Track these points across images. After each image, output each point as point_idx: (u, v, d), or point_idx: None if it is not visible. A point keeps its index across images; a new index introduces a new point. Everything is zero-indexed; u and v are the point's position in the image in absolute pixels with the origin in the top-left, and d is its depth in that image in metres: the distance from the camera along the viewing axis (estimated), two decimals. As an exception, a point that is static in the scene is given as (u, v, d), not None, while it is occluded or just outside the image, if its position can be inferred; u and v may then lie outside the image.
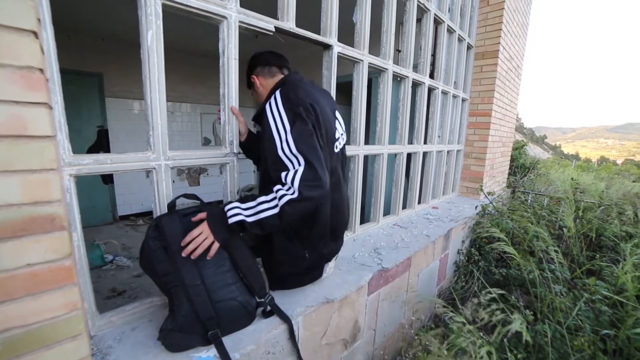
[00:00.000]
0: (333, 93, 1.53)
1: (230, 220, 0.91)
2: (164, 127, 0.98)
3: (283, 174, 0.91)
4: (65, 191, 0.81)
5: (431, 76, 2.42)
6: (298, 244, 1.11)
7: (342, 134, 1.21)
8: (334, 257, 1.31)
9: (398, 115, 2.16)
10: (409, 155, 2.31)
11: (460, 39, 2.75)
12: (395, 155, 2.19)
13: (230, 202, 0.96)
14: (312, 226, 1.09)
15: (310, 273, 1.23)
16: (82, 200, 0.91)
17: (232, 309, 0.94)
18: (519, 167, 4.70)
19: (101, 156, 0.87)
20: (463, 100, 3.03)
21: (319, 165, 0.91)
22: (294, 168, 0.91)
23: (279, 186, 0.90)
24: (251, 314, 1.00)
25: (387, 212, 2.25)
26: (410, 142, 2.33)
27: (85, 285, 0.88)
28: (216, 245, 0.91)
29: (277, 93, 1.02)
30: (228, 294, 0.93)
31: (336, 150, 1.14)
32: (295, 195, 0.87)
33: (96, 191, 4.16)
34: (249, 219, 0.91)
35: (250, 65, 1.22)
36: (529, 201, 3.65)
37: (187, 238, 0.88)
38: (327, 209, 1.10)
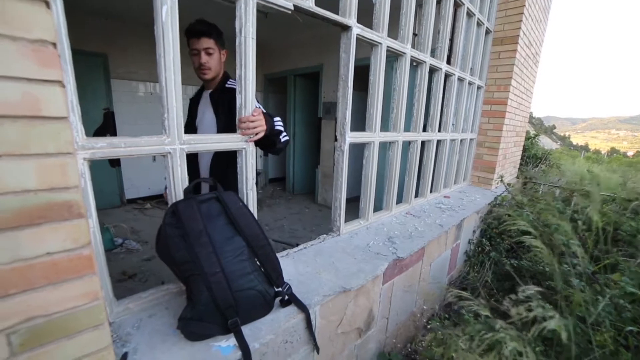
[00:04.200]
0: (351, 77, 1.47)
1: (277, 125, 1.24)
2: (179, 110, 0.93)
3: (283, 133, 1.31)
4: (80, 176, 0.77)
5: (448, 62, 2.32)
6: None
7: None
8: None
9: (414, 102, 2.08)
10: (422, 143, 2.25)
11: (479, 23, 2.63)
12: (410, 143, 2.13)
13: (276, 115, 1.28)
14: None
15: None
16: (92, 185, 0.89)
17: (251, 298, 0.92)
18: (530, 157, 4.61)
19: (115, 139, 0.83)
20: (478, 87, 2.92)
21: None
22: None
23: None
24: (269, 303, 0.98)
25: (399, 201, 2.21)
26: (425, 129, 2.26)
27: (102, 272, 0.86)
28: (262, 133, 1.14)
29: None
30: (247, 282, 0.91)
31: None
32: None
33: (103, 174, 4.16)
34: (282, 136, 1.29)
35: (221, 36, 1.39)
36: (541, 192, 3.59)
37: (245, 117, 1.09)
38: None
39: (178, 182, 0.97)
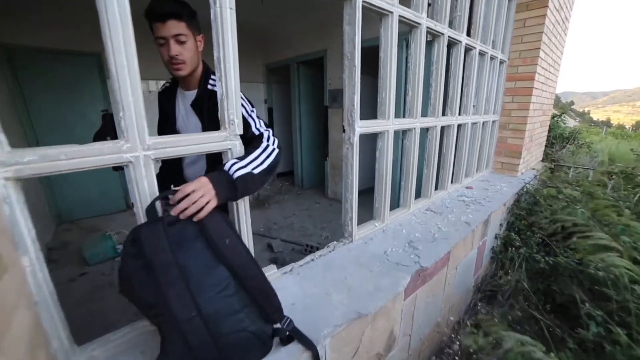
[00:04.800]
0: (358, 55, 1.23)
1: (236, 175, 0.84)
2: (139, 106, 0.73)
3: (265, 136, 1.04)
4: (2, 201, 0.58)
5: (467, 34, 2.03)
6: None
7: None
8: None
9: (431, 82, 1.81)
10: (441, 129, 1.99)
11: (502, -13, 2.30)
12: (427, 129, 1.88)
13: (228, 161, 0.89)
14: None
15: None
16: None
17: (242, 342, 0.72)
18: (556, 137, 4.24)
19: (52, 150, 0.63)
20: (501, 62, 2.60)
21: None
22: (268, 135, 1.04)
23: (262, 142, 0.99)
24: (266, 344, 0.78)
25: (417, 195, 1.97)
26: (444, 113, 2.00)
27: (51, 319, 0.68)
28: (213, 203, 0.77)
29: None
30: (235, 324, 0.71)
31: None
32: (277, 144, 1.03)
33: (106, 177, 4.05)
34: (256, 170, 0.90)
35: (194, 17, 1.09)
36: (571, 175, 3.27)
37: (179, 194, 0.74)
38: None
39: (146, 199, 0.77)
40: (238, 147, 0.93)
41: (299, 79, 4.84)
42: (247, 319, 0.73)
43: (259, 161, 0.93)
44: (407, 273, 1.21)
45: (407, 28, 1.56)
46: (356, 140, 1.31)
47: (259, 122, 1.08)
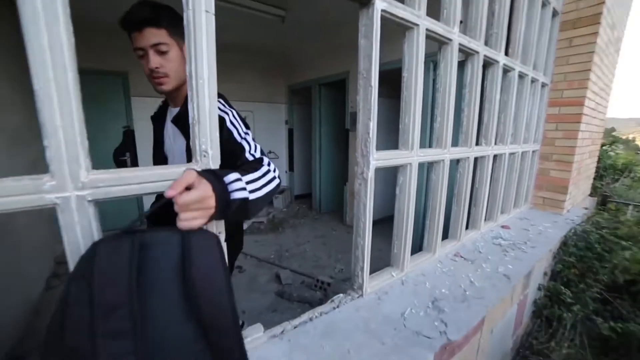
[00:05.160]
0: (375, 73, 1.02)
1: (234, 196, 0.64)
2: (73, 129, 0.55)
3: (265, 161, 0.86)
4: None
5: (506, 53, 1.79)
6: None
7: None
8: None
9: (463, 106, 1.57)
10: (474, 160, 1.71)
11: (545, 3, 2.06)
12: (458, 161, 1.61)
13: (229, 171, 0.69)
14: None
15: None
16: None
17: None
18: (606, 169, 3.76)
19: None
20: (543, 85, 2.31)
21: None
22: (268, 161, 0.87)
23: (263, 165, 0.82)
24: None
25: (444, 236, 1.69)
26: (478, 142, 1.73)
27: None
28: (210, 219, 0.59)
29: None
30: None
31: None
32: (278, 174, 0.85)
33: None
34: (252, 196, 0.69)
35: (179, 23, 0.71)
36: (629, 214, 2.80)
37: (184, 198, 0.54)
38: None
39: (78, 252, 0.58)
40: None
41: (320, 101, 4.74)
42: None
43: (257, 185, 0.73)
44: (429, 350, 0.93)
45: (435, 48, 1.36)
46: (371, 175, 1.08)
47: (255, 146, 0.91)
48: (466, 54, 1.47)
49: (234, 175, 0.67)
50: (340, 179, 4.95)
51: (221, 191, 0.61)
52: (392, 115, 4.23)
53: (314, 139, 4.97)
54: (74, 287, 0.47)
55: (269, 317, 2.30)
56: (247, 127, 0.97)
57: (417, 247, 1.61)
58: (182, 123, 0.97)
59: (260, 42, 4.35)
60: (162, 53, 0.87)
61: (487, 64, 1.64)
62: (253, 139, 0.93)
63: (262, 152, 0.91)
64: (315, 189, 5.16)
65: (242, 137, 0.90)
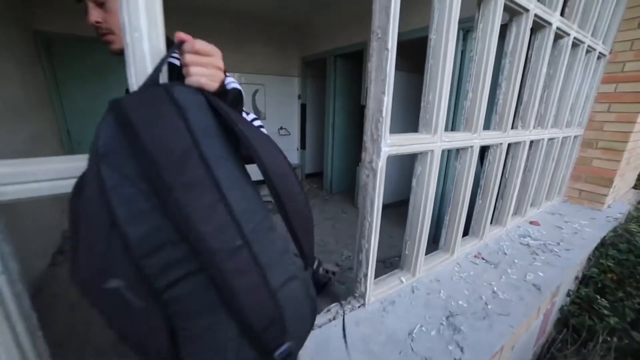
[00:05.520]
0: (394, 33, 0.78)
1: (230, 85, 0.57)
2: None
3: None
4: None
5: (561, 14, 1.45)
6: None
7: None
8: None
9: (500, 81, 1.29)
10: (508, 146, 1.45)
11: (614, -48, 1.65)
12: (488, 147, 1.36)
13: None
14: None
15: None
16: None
17: (296, 298, 0.50)
18: (654, 159, 3.32)
19: None
20: (599, 56, 1.94)
21: None
22: None
23: None
24: (313, 301, 0.53)
25: (465, 232, 1.47)
26: (513, 125, 1.45)
27: None
28: (221, 76, 0.51)
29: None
30: (286, 269, 0.49)
31: None
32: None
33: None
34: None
35: None
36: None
37: (198, 45, 0.47)
38: None
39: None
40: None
41: (336, 74, 4.40)
42: (292, 262, 0.50)
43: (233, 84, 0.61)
44: (443, 386, 0.76)
45: (466, 13, 1.07)
46: (382, 165, 0.86)
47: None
48: (512, 12, 1.17)
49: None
50: (353, 158, 4.70)
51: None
52: (412, 93, 3.88)
53: (327, 115, 4.69)
54: (105, 168, 0.37)
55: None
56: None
57: (430, 238, 1.40)
58: None
59: (272, 10, 4.00)
60: (100, 5, 0.67)
61: (536, 27, 1.33)
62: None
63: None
64: (327, 168, 4.95)
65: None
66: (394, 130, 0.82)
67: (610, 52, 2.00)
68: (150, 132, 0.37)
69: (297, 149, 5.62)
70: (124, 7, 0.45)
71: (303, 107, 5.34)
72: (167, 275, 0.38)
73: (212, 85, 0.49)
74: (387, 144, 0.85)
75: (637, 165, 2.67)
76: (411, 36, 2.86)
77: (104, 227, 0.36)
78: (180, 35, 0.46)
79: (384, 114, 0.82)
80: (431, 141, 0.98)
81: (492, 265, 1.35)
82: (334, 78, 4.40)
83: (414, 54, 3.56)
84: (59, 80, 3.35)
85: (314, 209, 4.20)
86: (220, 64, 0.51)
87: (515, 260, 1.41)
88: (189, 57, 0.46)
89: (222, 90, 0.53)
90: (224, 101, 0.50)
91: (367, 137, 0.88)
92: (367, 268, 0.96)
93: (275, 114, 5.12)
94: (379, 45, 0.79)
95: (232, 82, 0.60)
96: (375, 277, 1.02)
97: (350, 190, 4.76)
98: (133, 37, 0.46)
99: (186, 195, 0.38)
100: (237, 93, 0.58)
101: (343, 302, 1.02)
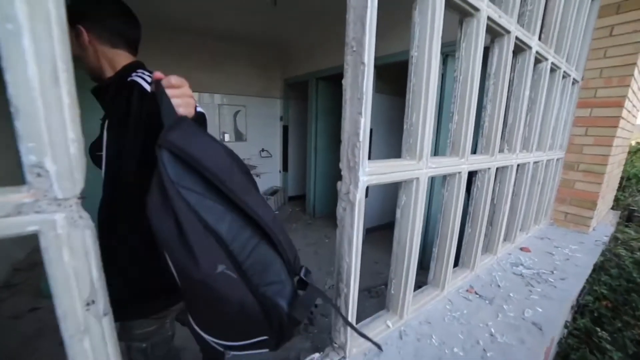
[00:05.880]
0: (371, 45, 0.68)
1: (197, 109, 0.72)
2: None
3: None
4: None
5: (539, 38, 1.44)
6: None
7: None
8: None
9: (485, 103, 1.23)
10: (495, 171, 1.37)
11: (583, -18, 1.70)
12: (476, 172, 1.27)
13: None
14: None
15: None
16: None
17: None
18: (630, 178, 3.40)
19: None
20: (573, 82, 1.96)
21: None
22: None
23: None
24: None
25: (455, 263, 1.35)
26: (500, 149, 1.39)
27: None
28: (193, 102, 0.67)
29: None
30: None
31: None
32: None
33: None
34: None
35: (86, 4, 0.82)
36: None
37: (173, 80, 0.61)
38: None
39: None
40: (61, 229, 0.40)
41: (317, 96, 4.38)
42: None
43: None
44: None
45: (447, 37, 1.01)
46: (360, 196, 0.74)
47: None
48: (494, 33, 1.13)
49: None
50: (336, 181, 4.60)
51: None
52: (397, 116, 3.89)
53: (309, 137, 4.62)
54: (185, 189, 0.51)
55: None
56: None
57: (418, 265, 1.27)
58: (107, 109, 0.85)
59: (252, 30, 3.99)
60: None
61: (517, 50, 1.30)
62: None
63: None
64: (309, 191, 4.82)
65: None
66: (379, 157, 0.71)
67: (582, 79, 2.03)
68: (208, 158, 0.53)
69: (280, 171, 5.50)
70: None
71: (285, 129, 5.27)
72: (244, 249, 0.54)
73: (190, 112, 0.64)
74: (366, 172, 0.73)
75: (614, 186, 2.70)
76: (394, 59, 2.88)
77: (201, 230, 0.50)
78: (157, 74, 0.61)
79: (361, 138, 0.71)
80: (416, 167, 0.87)
81: (487, 301, 1.22)
82: (315, 100, 4.37)
83: (399, 76, 3.59)
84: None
85: (295, 233, 4.02)
86: (190, 92, 0.64)
87: (511, 294, 1.29)
88: (169, 92, 0.59)
89: (195, 113, 0.67)
90: (195, 118, 0.66)
91: (343, 165, 0.76)
92: (349, 310, 0.81)
93: (256, 136, 5.02)
94: (354, 60, 0.69)
95: (197, 106, 0.72)
96: (357, 311, 0.87)
97: (333, 214, 4.61)
98: (5, 31, 0.33)
99: (244, 194, 0.55)
100: (203, 115, 0.75)
101: (320, 354, 0.86)
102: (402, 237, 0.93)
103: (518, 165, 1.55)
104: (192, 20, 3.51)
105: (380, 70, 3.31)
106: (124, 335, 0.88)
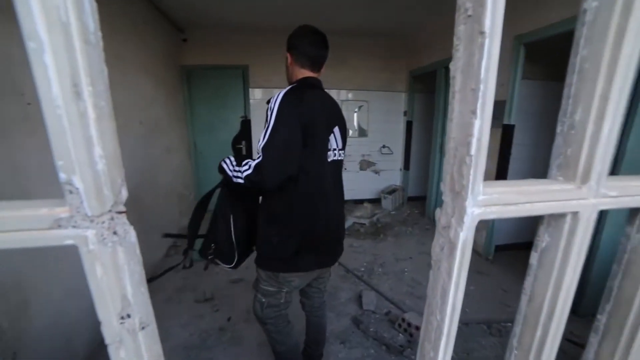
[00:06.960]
0: (501, 5, 0.43)
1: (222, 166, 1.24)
2: None
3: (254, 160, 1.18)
4: None
5: None
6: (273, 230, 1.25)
7: (335, 149, 1.31)
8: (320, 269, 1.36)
9: None
10: None
11: None
12: None
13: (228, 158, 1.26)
14: (279, 219, 1.23)
15: (283, 260, 1.25)
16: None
17: None
18: None
19: None
20: None
21: (269, 164, 1.09)
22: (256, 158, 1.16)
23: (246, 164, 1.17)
24: None
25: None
26: None
27: None
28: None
29: (283, 91, 1.13)
30: None
31: (329, 160, 1.27)
32: (248, 173, 1.14)
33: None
34: (229, 173, 1.21)
35: (293, 38, 1.25)
36: None
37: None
38: (291, 207, 1.20)
39: None
40: (92, 245, 0.39)
41: (446, 87, 3.84)
42: None
43: (233, 174, 1.20)
44: None
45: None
46: (465, 235, 0.50)
47: (260, 140, 1.14)
48: None
49: (227, 161, 1.24)
50: (464, 184, 3.97)
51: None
52: (550, 108, 2.96)
53: (434, 133, 4.14)
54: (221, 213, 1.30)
55: (335, 348, 1.93)
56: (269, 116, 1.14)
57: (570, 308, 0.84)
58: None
59: (379, 21, 3.83)
60: None
61: None
62: (266, 130, 1.11)
63: (263, 148, 1.08)
64: (431, 192, 4.36)
65: (264, 127, 1.14)
66: (518, 177, 0.45)
67: None
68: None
69: (400, 169, 5.21)
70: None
71: (409, 125, 4.92)
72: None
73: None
74: (479, 201, 0.48)
75: None
76: (548, 33, 2.16)
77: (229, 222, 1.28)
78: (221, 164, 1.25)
79: (473, 150, 0.46)
80: (576, 195, 0.53)
81: None
82: (444, 92, 3.86)
83: (549, 58, 2.72)
84: (192, 102, 4.11)
85: (410, 238, 3.71)
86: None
87: None
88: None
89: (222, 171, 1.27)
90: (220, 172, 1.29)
91: (445, 186, 0.53)
92: (432, 392, 0.59)
93: (378, 132, 4.89)
94: (467, 30, 0.45)
95: (225, 167, 1.26)
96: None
97: (457, 222, 4.01)
98: (31, 50, 0.32)
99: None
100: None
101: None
102: (536, 294, 0.61)
103: None
104: (314, 18, 3.67)
105: (533, 48, 2.56)
106: (256, 285, 1.33)
